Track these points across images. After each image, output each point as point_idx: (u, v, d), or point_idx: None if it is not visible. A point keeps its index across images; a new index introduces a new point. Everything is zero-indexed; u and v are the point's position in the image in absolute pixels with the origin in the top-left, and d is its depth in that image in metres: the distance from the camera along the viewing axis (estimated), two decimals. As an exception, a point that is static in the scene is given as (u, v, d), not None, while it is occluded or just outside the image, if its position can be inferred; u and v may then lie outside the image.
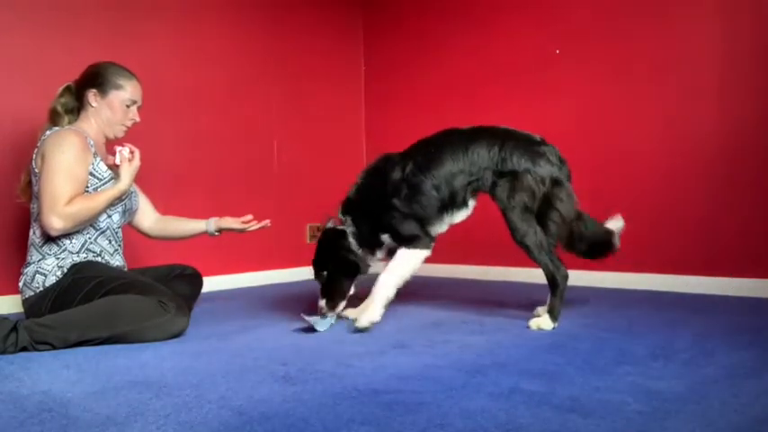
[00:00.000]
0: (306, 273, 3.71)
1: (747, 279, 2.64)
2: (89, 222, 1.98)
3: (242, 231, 2.36)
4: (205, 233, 2.37)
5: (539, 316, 2.03)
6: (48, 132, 2.02)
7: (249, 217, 2.36)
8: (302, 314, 2.06)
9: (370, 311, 1.99)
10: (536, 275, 3.10)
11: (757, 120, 2.64)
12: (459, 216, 2.16)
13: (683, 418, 1.08)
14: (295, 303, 2.62)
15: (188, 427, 1.08)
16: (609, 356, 1.56)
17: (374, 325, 1.99)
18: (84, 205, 1.92)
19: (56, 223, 1.87)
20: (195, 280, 2.40)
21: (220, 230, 2.35)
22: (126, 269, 2.18)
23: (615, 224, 2.17)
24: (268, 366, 1.51)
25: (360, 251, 2.11)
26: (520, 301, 2.53)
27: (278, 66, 3.66)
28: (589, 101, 3.14)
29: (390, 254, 2.14)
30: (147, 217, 2.34)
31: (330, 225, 2.17)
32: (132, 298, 1.82)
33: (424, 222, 2.10)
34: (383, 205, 2.09)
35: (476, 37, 3.61)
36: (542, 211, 2.01)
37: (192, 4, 3.24)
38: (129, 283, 1.89)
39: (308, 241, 3.76)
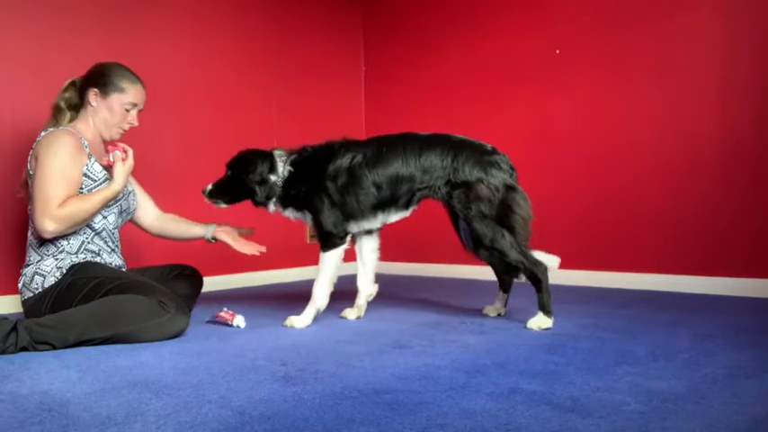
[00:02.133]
0: (306, 273, 3.71)
1: (747, 279, 2.64)
2: (84, 224, 1.97)
3: (234, 249, 2.33)
4: (203, 238, 2.35)
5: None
6: (42, 134, 2.01)
7: (247, 231, 2.36)
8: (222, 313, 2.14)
9: (303, 317, 2.10)
10: (536, 275, 3.11)
11: (756, 120, 2.64)
12: (396, 217, 2.20)
13: (683, 418, 1.08)
14: (295, 303, 2.62)
15: (188, 427, 1.08)
16: (609, 356, 1.56)
17: (307, 327, 2.07)
18: (78, 207, 1.91)
19: (49, 226, 1.87)
20: (195, 280, 2.40)
21: (216, 240, 2.34)
22: (125, 269, 2.18)
23: (549, 260, 2.13)
24: (268, 366, 1.51)
25: (274, 184, 2.15)
26: (520, 301, 2.52)
27: (278, 65, 3.66)
28: (589, 101, 3.14)
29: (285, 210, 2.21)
30: (147, 213, 2.33)
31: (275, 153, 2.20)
32: (132, 298, 1.81)
33: (349, 216, 2.13)
34: (317, 183, 2.12)
35: (476, 37, 3.61)
36: (503, 216, 2.03)
37: (192, 4, 3.24)
38: (129, 283, 1.89)
39: (308, 241, 3.75)
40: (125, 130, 2.14)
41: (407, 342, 1.78)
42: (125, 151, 2.04)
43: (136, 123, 2.14)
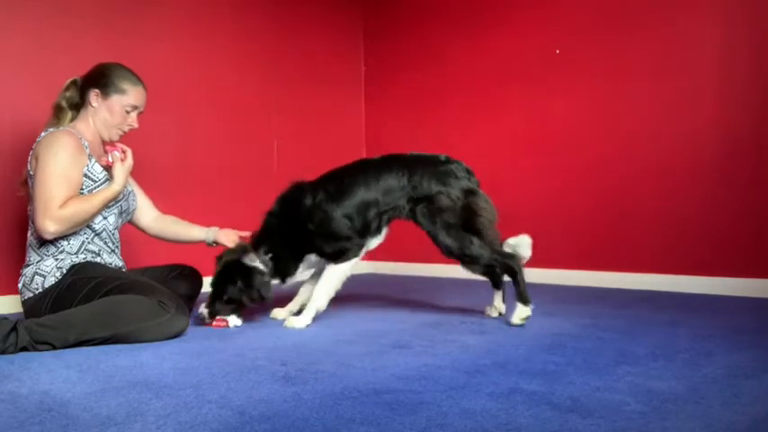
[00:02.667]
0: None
1: (747, 279, 2.64)
2: (84, 224, 1.97)
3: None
4: (203, 242, 2.34)
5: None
6: (43, 134, 2.01)
7: (248, 234, 2.33)
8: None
9: (303, 318, 2.08)
10: (536, 276, 3.11)
11: (756, 120, 2.64)
12: (373, 243, 2.22)
13: (683, 418, 1.08)
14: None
15: (188, 427, 1.08)
16: (609, 356, 1.56)
17: (299, 330, 2.04)
18: (79, 207, 1.91)
19: (50, 226, 1.87)
20: (195, 280, 2.40)
21: (218, 243, 2.32)
22: (125, 269, 2.18)
23: (520, 243, 2.15)
24: (268, 366, 1.51)
25: (267, 279, 2.10)
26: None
27: (278, 66, 3.66)
28: (589, 101, 3.14)
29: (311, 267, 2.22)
30: (146, 214, 2.32)
31: (246, 260, 2.10)
32: (132, 298, 1.81)
33: (348, 237, 2.12)
34: (302, 229, 2.11)
35: (475, 37, 3.61)
36: (468, 221, 2.06)
37: (192, 4, 3.25)
38: (129, 283, 1.89)
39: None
40: (124, 132, 2.14)
41: (407, 342, 1.78)
42: (124, 151, 2.03)
43: (135, 125, 2.14)
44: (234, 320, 2.11)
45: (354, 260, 2.15)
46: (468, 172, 2.17)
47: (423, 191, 2.09)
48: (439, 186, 2.08)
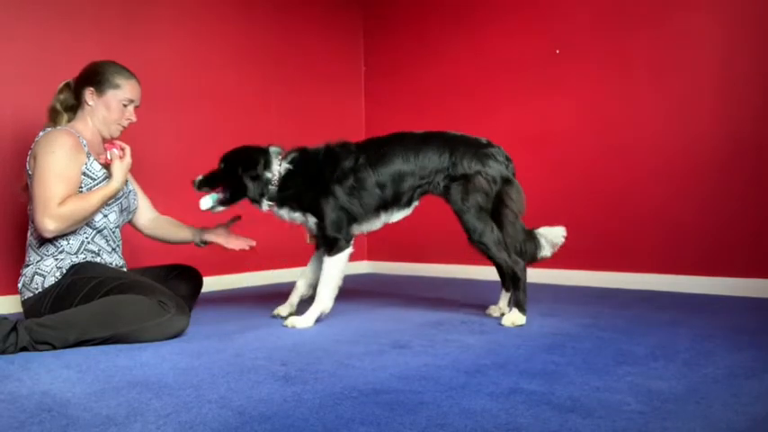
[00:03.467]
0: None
1: (747, 279, 2.64)
2: (84, 222, 1.97)
3: (226, 248, 2.31)
4: (192, 242, 2.34)
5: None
6: (41, 134, 2.01)
7: (233, 220, 2.33)
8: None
9: (306, 318, 2.07)
10: (536, 276, 3.11)
11: (756, 120, 2.64)
12: (399, 216, 2.22)
13: (683, 418, 1.08)
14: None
15: (188, 427, 1.08)
16: (609, 356, 1.56)
17: (309, 328, 2.04)
18: (77, 205, 1.91)
19: (49, 225, 1.87)
20: (195, 280, 2.40)
21: (206, 242, 2.32)
22: (125, 269, 2.18)
23: (555, 231, 2.18)
24: (268, 366, 1.51)
25: (268, 181, 2.13)
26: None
27: (278, 66, 3.66)
28: (589, 101, 3.14)
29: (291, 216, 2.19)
30: (144, 215, 2.33)
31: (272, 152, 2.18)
32: (132, 298, 1.81)
33: (353, 219, 2.14)
34: (324, 186, 2.12)
35: (476, 37, 3.62)
36: (496, 209, 2.09)
37: (192, 4, 3.25)
38: (129, 283, 1.89)
39: (308, 241, 3.75)
40: (124, 127, 2.14)
41: (407, 342, 1.78)
42: (122, 149, 2.03)
43: (134, 119, 2.14)
44: (205, 202, 2.16)
45: (349, 250, 2.13)
46: (507, 158, 2.17)
47: (462, 169, 2.09)
48: (478, 166, 2.09)
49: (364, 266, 4.15)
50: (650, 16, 2.93)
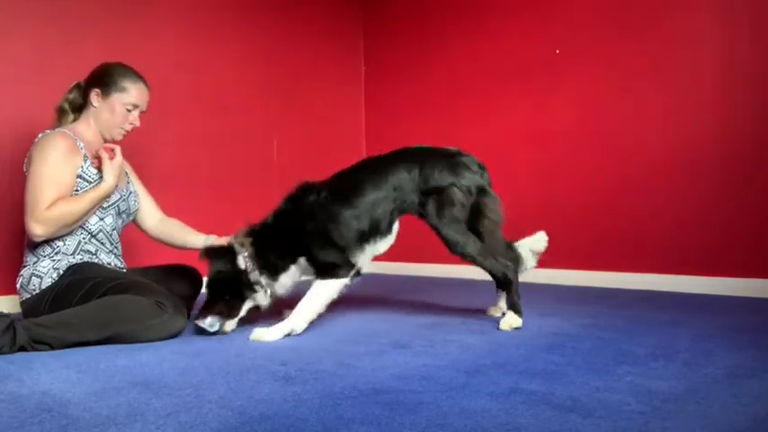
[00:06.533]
0: (306, 273, 3.71)
1: (747, 279, 2.64)
2: (75, 225, 1.95)
3: None
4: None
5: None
6: (39, 135, 2.01)
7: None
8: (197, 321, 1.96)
9: (273, 331, 1.89)
10: (536, 276, 3.11)
11: (756, 120, 2.64)
12: (383, 245, 2.11)
13: (683, 418, 1.08)
14: (294, 303, 2.61)
15: (188, 427, 1.08)
16: (609, 356, 1.56)
17: (266, 342, 1.86)
18: (65, 208, 1.88)
19: (36, 229, 1.86)
20: (194, 280, 2.39)
21: None
22: (125, 269, 2.17)
23: (538, 238, 2.13)
24: (268, 366, 1.51)
25: (254, 273, 2.00)
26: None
27: (278, 66, 3.67)
28: (589, 101, 3.14)
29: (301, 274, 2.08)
30: (150, 216, 2.31)
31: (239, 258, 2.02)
32: (130, 298, 1.81)
33: (343, 250, 2.02)
34: (300, 229, 2.00)
35: (476, 37, 3.62)
36: (473, 220, 2.02)
37: (192, 5, 3.25)
38: (127, 283, 1.88)
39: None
40: (127, 131, 2.13)
41: (407, 342, 1.78)
42: (112, 149, 2.01)
43: (137, 123, 2.13)
44: (221, 324, 1.97)
45: (344, 280, 1.99)
46: (481, 167, 2.11)
47: (434, 182, 2.02)
48: (452, 178, 2.02)
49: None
50: (650, 16, 2.93)
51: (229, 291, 2.00)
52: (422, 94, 3.88)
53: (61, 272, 1.94)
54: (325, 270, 1.99)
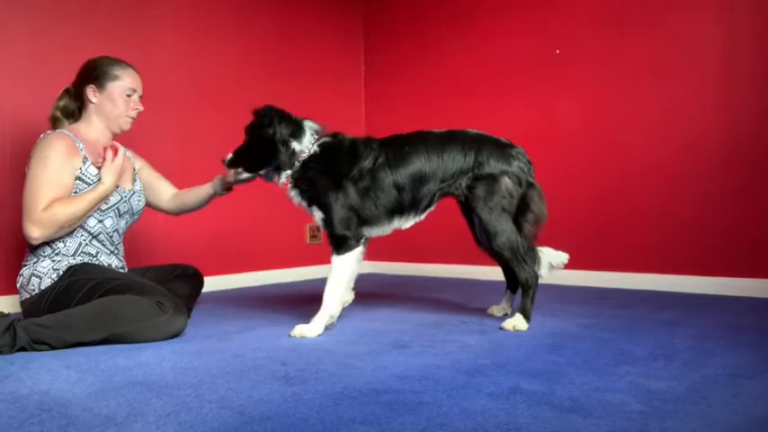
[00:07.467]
0: (306, 273, 3.71)
1: (747, 279, 2.64)
2: (74, 226, 1.95)
3: (251, 179, 2.17)
4: (215, 195, 2.28)
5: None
6: (41, 136, 2.01)
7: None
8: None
9: (314, 326, 1.92)
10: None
11: (756, 120, 2.64)
12: (410, 222, 2.11)
13: (683, 418, 1.08)
14: (294, 303, 2.62)
15: (188, 427, 1.08)
16: (609, 356, 1.56)
17: (309, 338, 1.88)
18: (62, 210, 1.88)
19: (32, 231, 1.86)
20: (196, 280, 2.40)
21: (230, 187, 2.24)
22: (126, 270, 2.17)
23: (558, 256, 2.11)
24: (268, 366, 1.51)
25: (295, 153, 2.01)
26: (520, 301, 2.52)
27: (278, 65, 3.66)
28: (589, 101, 3.14)
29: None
30: (165, 197, 2.32)
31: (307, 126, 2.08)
32: (130, 298, 1.81)
33: (364, 222, 2.02)
34: (336, 181, 1.99)
35: (476, 37, 3.61)
36: (518, 212, 2.02)
37: (192, 4, 3.24)
38: (127, 283, 1.88)
39: (308, 242, 3.76)
40: (133, 118, 2.13)
41: (408, 342, 1.78)
42: (116, 151, 2.01)
43: (141, 108, 2.13)
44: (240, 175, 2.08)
45: (357, 250, 2.00)
46: (529, 161, 2.10)
47: (489, 168, 2.01)
48: (505, 166, 2.01)
49: (365, 266, 4.14)
50: (650, 16, 2.93)
51: (272, 146, 1.99)
52: (422, 94, 3.88)
53: (61, 273, 1.94)
54: (337, 243, 1.99)
